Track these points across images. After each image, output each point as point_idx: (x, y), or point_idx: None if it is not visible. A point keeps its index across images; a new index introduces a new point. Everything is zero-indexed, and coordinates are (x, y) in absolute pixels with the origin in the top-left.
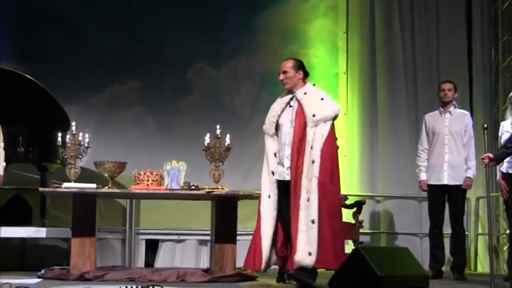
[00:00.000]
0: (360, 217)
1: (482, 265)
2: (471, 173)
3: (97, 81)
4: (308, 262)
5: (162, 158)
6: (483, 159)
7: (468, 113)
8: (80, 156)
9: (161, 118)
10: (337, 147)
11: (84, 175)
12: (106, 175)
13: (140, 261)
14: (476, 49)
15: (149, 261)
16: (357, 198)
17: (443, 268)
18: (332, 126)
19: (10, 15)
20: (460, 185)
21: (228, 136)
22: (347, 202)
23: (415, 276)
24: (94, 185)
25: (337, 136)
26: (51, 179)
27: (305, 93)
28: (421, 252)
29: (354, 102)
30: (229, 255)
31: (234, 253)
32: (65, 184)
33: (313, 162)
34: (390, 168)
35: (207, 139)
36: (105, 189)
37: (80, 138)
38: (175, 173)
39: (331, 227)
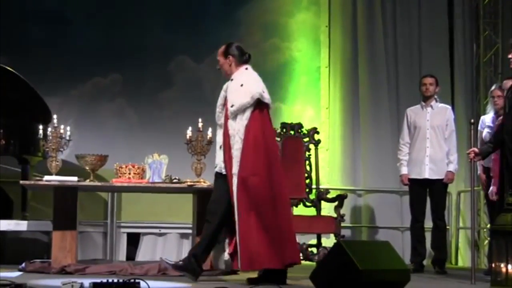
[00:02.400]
0: (342, 211)
1: (463, 259)
2: (452, 167)
3: (78, 73)
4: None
5: (143, 151)
6: (468, 153)
7: (449, 107)
8: (62, 149)
9: (142, 111)
10: (272, 135)
11: (65, 168)
12: (87, 168)
13: (122, 254)
14: (457, 44)
15: (131, 255)
16: (338, 192)
17: (424, 262)
18: (257, 113)
19: None
20: (441, 179)
21: (210, 129)
22: (329, 196)
23: (396, 270)
24: (75, 178)
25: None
26: (32, 172)
27: (232, 79)
28: (402, 246)
29: (336, 96)
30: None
31: None
32: (46, 177)
33: (233, 157)
34: (372, 162)
35: (189, 132)
36: (87, 182)
37: (62, 131)
38: (157, 166)
39: (255, 224)
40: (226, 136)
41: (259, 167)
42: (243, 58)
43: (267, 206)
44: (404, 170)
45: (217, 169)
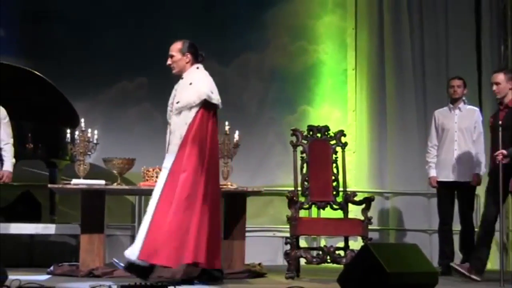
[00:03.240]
0: (369, 214)
1: (492, 262)
2: (480, 170)
3: (105, 78)
4: (129, 254)
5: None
6: (496, 155)
7: (477, 109)
8: (89, 153)
9: None
10: (214, 137)
11: (93, 172)
12: (114, 171)
13: None
14: (485, 45)
15: None
16: (365, 195)
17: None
18: (203, 113)
19: (19, 13)
20: (469, 182)
21: (237, 132)
22: (356, 199)
23: (423, 272)
24: (103, 182)
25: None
26: (60, 175)
27: (183, 78)
28: (430, 248)
29: (362, 98)
30: (238, 251)
31: (243, 249)
32: (74, 181)
33: (169, 151)
34: (399, 164)
35: None
36: (114, 186)
37: (89, 134)
38: None
39: (169, 219)
40: (169, 131)
41: (190, 164)
42: (199, 57)
43: (190, 205)
44: (433, 173)
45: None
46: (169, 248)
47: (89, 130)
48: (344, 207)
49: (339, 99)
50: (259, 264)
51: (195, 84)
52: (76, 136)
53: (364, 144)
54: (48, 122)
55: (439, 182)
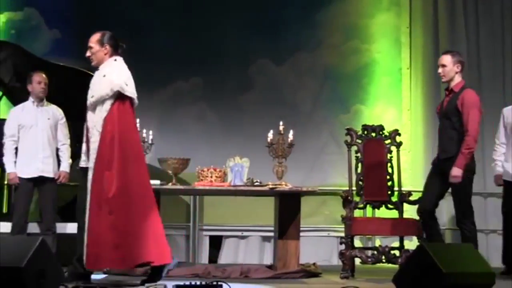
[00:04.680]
0: None
1: None
2: None
3: (160, 78)
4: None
5: (225, 154)
6: (454, 176)
7: None
8: (145, 153)
9: (223, 114)
10: (133, 129)
11: (148, 172)
12: (169, 171)
13: (204, 257)
14: None
15: (213, 257)
16: (421, 194)
17: None
18: (118, 105)
19: (74, 14)
20: None
21: (291, 132)
22: (411, 198)
23: (480, 273)
24: (158, 182)
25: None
26: None
27: (98, 70)
28: (487, 248)
29: (417, 97)
30: (292, 251)
31: (298, 249)
32: None
33: (90, 149)
34: None
35: (270, 135)
36: (169, 186)
37: (144, 135)
38: (238, 169)
39: (104, 221)
40: (86, 128)
41: (114, 162)
42: (118, 49)
43: (119, 202)
44: (498, 170)
45: (80, 164)
46: (109, 251)
47: (144, 131)
48: (399, 207)
49: (394, 98)
50: (314, 264)
51: (108, 76)
52: None
53: (419, 143)
54: None
55: (506, 181)
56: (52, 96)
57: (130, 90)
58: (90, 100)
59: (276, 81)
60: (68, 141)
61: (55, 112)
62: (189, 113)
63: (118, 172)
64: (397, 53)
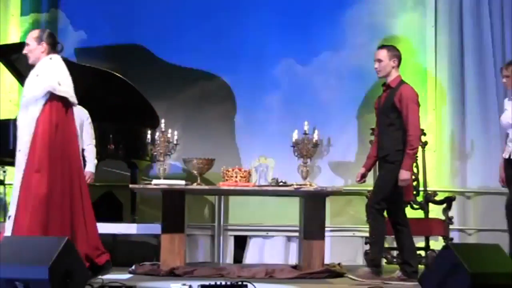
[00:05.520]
0: (450, 213)
1: None
2: None
3: (185, 77)
4: None
5: (250, 154)
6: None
7: None
8: (169, 153)
9: (248, 115)
10: (68, 130)
11: (173, 172)
12: (194, 171)
13: (229, 257)
14: None
15: (238, 257)
16: (446, 194)
17: None
18: (52, 106)
19: (101, 16)
20: None
21: (316, 132)
22: (437, 198)
23: (506, 273)
24: (183, 182)
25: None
26: (141, 176)
27: (34, 68)
28: None
29: (443, 97)
30: (317, 251)
31: (323, 249)
32: (154, 181)
33: (19, 150)
34: (481, 163)
35: (295, 135)
36: (194, 186)
37: (169, 135)
38: (263, 169)
39: (28, 224)
40: (18, 128)
41: (44, 163)
42: (56, 47)
43: (49, 204)
44: None
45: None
46: None
47: (169, 131)
48: (424, 207)
49: (419, 98)
50: (339, 264)
51: (41, 76)
52: (156, 136)
53: (445, 143)
54: (129, 123)
55: None
56: (77, 97)
57: (64, 89)
58: (22, 100)
59: (301, 81)
60: (94, 142)
61: (80, 113)
62: (214, 113)
63: (48, 174)
64: (423, 53)
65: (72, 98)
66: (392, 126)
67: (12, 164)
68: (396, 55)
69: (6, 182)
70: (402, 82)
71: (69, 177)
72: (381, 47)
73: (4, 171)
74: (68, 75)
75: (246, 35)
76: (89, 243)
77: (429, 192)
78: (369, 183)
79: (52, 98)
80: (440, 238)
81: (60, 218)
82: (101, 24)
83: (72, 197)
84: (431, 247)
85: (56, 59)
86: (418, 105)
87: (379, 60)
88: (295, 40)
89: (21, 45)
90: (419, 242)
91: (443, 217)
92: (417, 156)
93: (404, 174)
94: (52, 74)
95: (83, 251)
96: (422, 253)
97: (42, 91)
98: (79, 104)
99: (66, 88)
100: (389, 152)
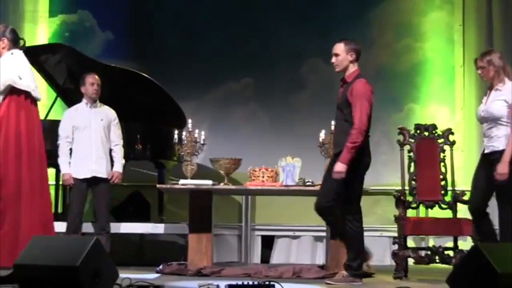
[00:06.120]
0: None
1: None
2: None
3: (211, 78)
4: None
5: (276, 154)
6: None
7: None
8: (196, 153)
9: (275, 114)
10: (31, 124)
11: (200, 172)
12: (221, 171)
13: (256, 257)
14: None
15: (265, 257)
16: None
17: None
18: (12, 100)
19: (126, 16)
20: None
21: None
22: (465, 198)
23: None
24: (210, 182)
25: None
26: (168, 175)
27: None
28: None
29: (471, 96)
30: (345, 251)
31: None
32: (181, 181)
33: None
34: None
35: (322, 135)
36: (221, 186)
37: (196, 135)
38: (290, 169)
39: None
40: None
41: (6, 159)
42: (18, 43)
43: (11, 200)
44: None
45: None
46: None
47: (196, 131)
48: (452, 207)
49: (447, 97)
50: (367, 264)
51: (1, 70)
52: (183, 136)
53: (473, 142)
54: (156, 123)
55: None
56: (105, 97)
57: (25, 83)
58: None
59: (327, 80)
60: (121, 142)
61: (108, 113)
62: (241, 114)
63: (10, 169)
64: (450, 51)
65: (34, 92)
66: (347, 122)
67: None
68: (354, 49)
69: None
70: (358, 77)
71: (30, 172)
72: (339, 40)
73: None
74: (30, 70)
75: (272, 35)
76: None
77: (457, 191)
78: (396, 182)
79: (14, 92)
80: (469, 238)
81: (19, 215)
82: (127, 25)
83: (32, 194)
84: (460, 247)
85: (18, 54)
86: (369, 101)
87: (336, 54)
88: (321, 39)
89: (50, 46)
90: (448, 242)
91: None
92: (444, 156)
93: (338, 167)
94: (12, 68)
95: None
96: (451, 253)
97: (2, 86)
98: (107, 104)
99: (27, 82)
100: (343, 149)
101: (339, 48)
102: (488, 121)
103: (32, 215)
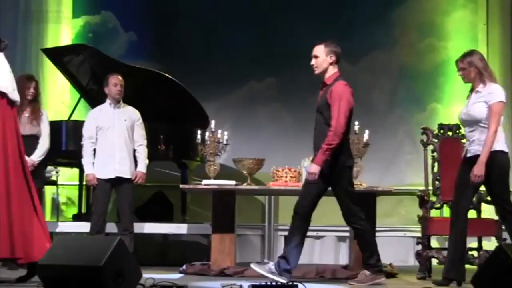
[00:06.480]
0: None
1: None
2: None
3: (234, 78)
4: None
5: (299, 154)
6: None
7: None
8: (219, 153)
9: (298, 114)
10: (9, 125)
11: (223, 172)
12: (244, 171)
13: None
14: None
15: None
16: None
17: None
18: None
19: (150, 17)
20: None
21: (366, 131)
22: (489, 198)
23: None
24: (233, 182)
25: None
26: (191, 176)
27: None
28: None
29: None
30: None
31: None
32: (204, 181)
33: None
34: None
35: None
36: (244, 186)
37: (219, 135)
38: None
39: None
40: None
41: None
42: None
43: None
44: None
45: None
46: None
47: (219, 131)
48: (477, 207)
49: None
50: (390, 264)
51: None
52: (206, 137)
53: None
54: (179, 123)
55: None
56: (128, 97)
57: (3, 85)
58: None
59: (350, 80)
60: (145, 142)
61: (131, 113)
62: (264, 114)
63: None
64: None
65: (12, 94)
66: (327, 125)
67: (65, 164)
68: (334, 51)
69: (59, 182)
70: (337, 79)
71: (16, 176)
72: (319, 42)
73: (57, 172)
74: (9, 72)
75: (294, 35)
76: (25, 240)
77: (481, 191)
78: (419, 182)
79: None
80: (493, 238)
81: (6, 217)
82: (150, 25)
83: (14, 196)
84: (484, 248)
85: None
86: (349, 103)
87: (316, 56)
88: (344, 39)
89: (73, 47)
90: (472, 243)
91: (496, 217)
92: None
93: (312, 168)
94: None
95: (17, 248)
96: (475, 253)
97: None
98: (130, 105)
99: (4, 83)
100: None
101: (319, 50)
102: (470, 124)
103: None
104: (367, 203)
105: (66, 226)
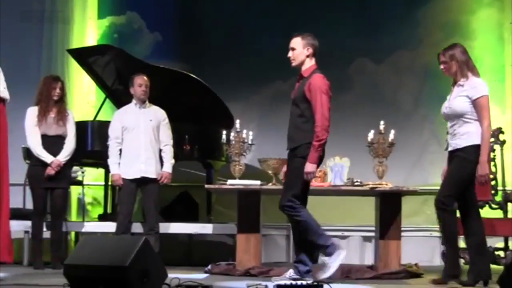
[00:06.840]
0: None
1: None
2: None
3: (259, 78)
4: None
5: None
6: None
7: None
8: (244, 153)
9: None
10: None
11: (248, 172)
12: (269, 171)
13: None
14: None
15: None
16: None
17: None
18: None
19: (174, 17)
20: None
21: (392, 131)
22: None
23: None
24: (258, 182)
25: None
26: (216, 176)
27: None
28: None
29: None
30: (394, 251)
31: (399, 249)
32: (230, 181)
33: None
34: None
35: (370, 135)
36: (269, 186)
37: (244, 135)
38: (339, 169)
39: None
40: None
41: None
42: None
43: None
44: None
45: None
46: None
47: (244, 131)
48: (503, 207)
49: (497, 96)
50: (416, 264)
51: None
52: (231, 137)
53: None
54: (204, 123)
55: None
56: (154, 98)
57: None
58: None
59: (376, 80)
60: (171, 142)
61: (157, 113)
62: (289, 113)
63: None
64: (500, 50)
65: (2, 92)
66: (302, 117)
67: (90, 165)
68: (311, 43)
69: (84, 182)
70: (315, 71)
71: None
72: (296, 35)
73: (83, 172)
74: (0, 71)
75: (319, 34)
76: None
77: (508, 191)
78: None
79: None
80: None
81: None
82: (175, 26)
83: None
84: (510, 248)
85: None
86: (328, 95)
87: (293, 49)
88: (368, 38)
89: (99, 48)
90: (499, 243)
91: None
92: (494, 155)
93: (309, 167)
94: None
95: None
96: (501, 253)
97: None
98: (156, 104)
99: None
100: (298, 145)
101: (296, 42)
102: (452, 118)
103: None
104: (392, 203)
105: (92, 226)
